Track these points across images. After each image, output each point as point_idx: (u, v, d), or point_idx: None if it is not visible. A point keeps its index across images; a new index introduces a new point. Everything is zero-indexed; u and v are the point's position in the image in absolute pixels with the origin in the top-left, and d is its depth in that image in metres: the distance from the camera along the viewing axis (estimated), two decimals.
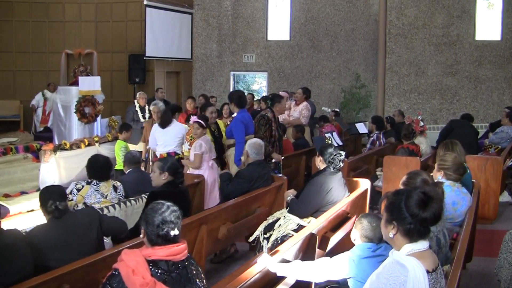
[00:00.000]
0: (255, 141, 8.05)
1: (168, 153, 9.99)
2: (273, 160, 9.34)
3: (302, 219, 6.61)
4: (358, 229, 4.79)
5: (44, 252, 4.87)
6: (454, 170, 6.20)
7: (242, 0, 20.83)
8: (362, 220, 4.78)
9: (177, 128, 10.35)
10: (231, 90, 21.21)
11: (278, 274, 4.50)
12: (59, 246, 4.95)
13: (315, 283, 5.13)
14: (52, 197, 5.11)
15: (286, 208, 7.02)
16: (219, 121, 10.36)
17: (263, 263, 4.45)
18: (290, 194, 7.07)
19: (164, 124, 10.17)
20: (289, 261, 4.92)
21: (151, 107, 11.05)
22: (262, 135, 9.28)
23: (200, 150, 8.95)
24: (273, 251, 4.82)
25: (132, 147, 11.60)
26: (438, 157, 6.81)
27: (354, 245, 4.84)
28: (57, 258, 4.78)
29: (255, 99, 16.85)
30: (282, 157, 9.63)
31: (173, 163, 6.67)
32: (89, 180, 7.06)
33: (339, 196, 6.82)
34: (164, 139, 10.14)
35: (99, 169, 7.15)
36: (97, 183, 7.04)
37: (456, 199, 6.06)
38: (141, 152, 10.86)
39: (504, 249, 6.08)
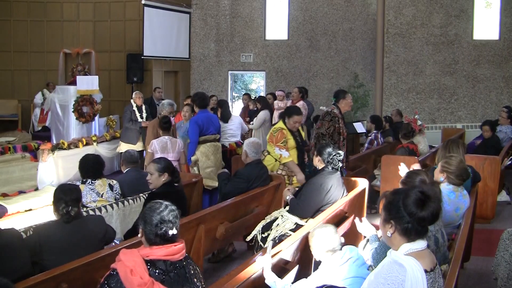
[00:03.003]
0: (253, 140, 8.06)
1: (236, 143, 11.90)
2: None
3: (302, 219, 6.62)
4: (315, 251, 4.88)
5: (46, 251, 4.87)
6: (456, 175, 6.13)
7: (240, 0, 20.82)
8: (312, 242, 4.89)
9: (238, 120, 12.47)
10: (229, 89, 21.30)
11: (266, 282, 4.50)
12: (63, 248, 4.95)
13: None
14: (66, 200, 5.12)
15: (285, 207, 7.02)
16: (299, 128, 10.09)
17: (261, 264, 4.45)
18: (289, 193, 7.04)
19: (226, 118, 11.87)
20: (287, 261, 4.94)
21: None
22: (325, 132, 8.93)
23: (150, 149, 9.54)
24: (274, 253, 4.82)
25: (130, 147, 11.61)
26: (439, 157, 6.79)
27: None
28: (58, 260, 4.77)
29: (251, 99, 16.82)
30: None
31: (169, 163, 6.67)
32: (84, 180, 7.06)
33: (338, 195, 6.83)
34: (231, 131, 11.87)
35: (90, 167, 7.16)
36: (92, 182, 7.05)
37: (459, 204, 6.05)
38: (141, 151, 10.88)
39: (501, 247, 6.09)
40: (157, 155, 9.27)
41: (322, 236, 4.84)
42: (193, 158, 9.58)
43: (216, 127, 9.89)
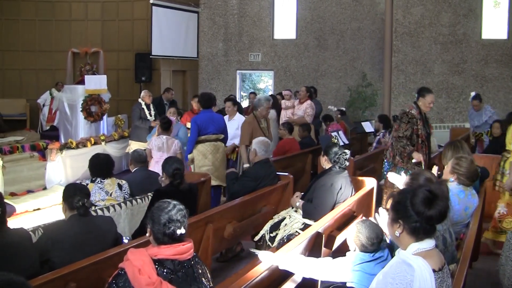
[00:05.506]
0: (262, 139, 8.06)
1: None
2: (413, 161, 8.29)
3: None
4: (357, 245, 4.79)
5: (58, 249, 4.87)
6: (467, 177, 6.10)
7: None
8: (361, 237, 4.76)
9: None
10: (237, 89, 21.33)
11: (280, 267, 4.50)
12: (76, 245, 4.94)
13: (321, 282, 5.14)
14: (80, 194, 5.13)
15: (292, 208, 7.02)
16: None
17: (265, 259, 4.46)
18: (298, 199, 6.99)
19: None
20: None
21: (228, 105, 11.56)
22: (402, 134, 8.36)
23: (148, 145, 9.68)
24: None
25: (140, 145, 11.61)
26: (445, 157, 6.77)
27: None
28: (70, 257, 4.76)
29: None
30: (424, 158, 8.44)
31: (171, 166, 6.68)
32: (93, 179, 7.08)
33: (348, 194, 6.85)
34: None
35: (100, 166, 7.17)
36: (101, 181, 7.05)
37: (468, 204, 6.03)
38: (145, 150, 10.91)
39: (506, 247, 6.08)
40: (154, 153, 9.53)
41: (366, 239, 4.79)
42: (189, 156, 9.79)
43: (218, 127, 9.84)
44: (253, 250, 6.76)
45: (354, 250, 4.83)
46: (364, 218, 5.24)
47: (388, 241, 4.92)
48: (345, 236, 6.09)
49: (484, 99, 17.54)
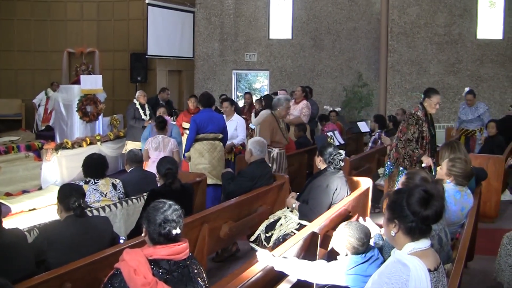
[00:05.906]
0: (258, 139, 8.06)
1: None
2: (423, 165, 7.96)
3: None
4: (349, 249, 4.76)
5: (54, 249, 4.85)
6: (464, 177, 6.15)
7: None
8: (351, 240, 4.72)
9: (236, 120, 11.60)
10: (233, 89, 21.32)
11: (276, 269, 4.50)
12: (72, 246, 4.92)
13: (316, 284, 5.15)
14: (75, 194, 5.12)
15: (288, 208, 7.01)
16: None
17: (262, 259, 4.46)
18: (294, 200, 6.98)
19: None
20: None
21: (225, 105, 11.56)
22: (411, 137, 8.20)
23: (146, 145, 9.85)
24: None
25: (136, 144, 11.60)
26: (442, 158, 6.77)
27: None
28: (66, 258, 4.75)
29: (255, 100, 16.67)
30: (434, 161, 8.19)
31: (164, 166, 6.71)
32: (87, 180, 7.06)
33: (343, 194, 6.83)
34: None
35: (95, 166, 7.15)
36: (95, 182, 7.03)
37: (464, 204, 6.04)
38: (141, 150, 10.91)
39: (503, 252, 6.09)
40: (151, 152, 9.68)
41: (357, 240, 4.76)
42: (186, 154, 9.91)
43: (218, 127, 9.87)
44: (253, 245, 6.78)
45: (346, 255, 4.81)
46: (347, 222, 5.20)
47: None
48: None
49: (479, 99, 17.60)
